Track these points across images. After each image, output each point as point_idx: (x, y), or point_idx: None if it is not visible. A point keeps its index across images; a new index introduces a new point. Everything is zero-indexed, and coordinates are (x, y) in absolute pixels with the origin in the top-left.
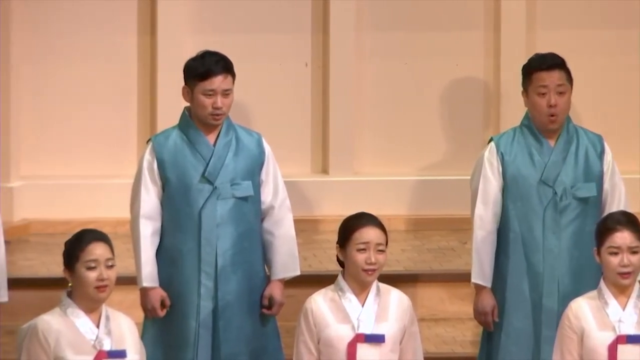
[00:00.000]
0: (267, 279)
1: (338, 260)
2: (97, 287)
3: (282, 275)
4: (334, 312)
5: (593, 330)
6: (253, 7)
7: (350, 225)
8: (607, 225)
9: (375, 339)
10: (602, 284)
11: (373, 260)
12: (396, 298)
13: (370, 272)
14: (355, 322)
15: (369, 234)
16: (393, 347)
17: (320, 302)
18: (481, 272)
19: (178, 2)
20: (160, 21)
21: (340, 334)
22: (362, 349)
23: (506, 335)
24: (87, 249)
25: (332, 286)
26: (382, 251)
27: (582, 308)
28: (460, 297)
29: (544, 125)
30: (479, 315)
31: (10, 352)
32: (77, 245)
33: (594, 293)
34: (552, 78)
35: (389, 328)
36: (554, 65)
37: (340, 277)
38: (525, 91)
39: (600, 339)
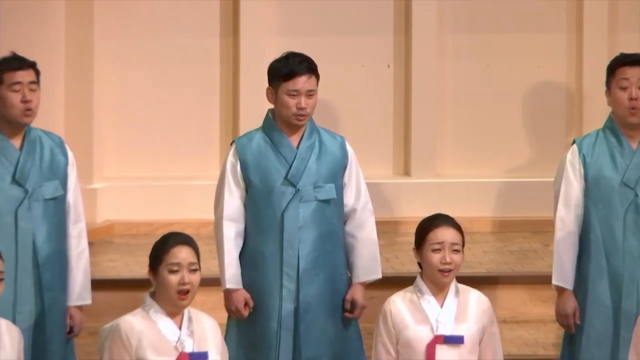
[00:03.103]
0: (349, 282)
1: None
2: (179, 292)
3: (364, 279)
4: (412, 314)
5: None
6: (335, 9)
7: (425, 227)
8: None
9: (454, 340)
10: None
11: (448, 260)
12: (475, 298)
13: (445, 273)
14: (434, 323)
15: (444, 234)
16: (472, 348)
17: (399, 303)
18: (562, 275)
19: (260, 3)
20: (243, 23)
21: (419, 335)
22: (441, 350)
23: (587, 337)
24: (171, 251)
25: (410, 287)
26: (457, 251)
27: None
28: (542, 300)
29: (625, 120)
30: (561, 317)
31: (93, 353)
32: (161, 247)
33: None
34: (635, 72)
35: (468, 329)
36: (637, 61)
37: (418, 278)
38: (608, 89)
39: None
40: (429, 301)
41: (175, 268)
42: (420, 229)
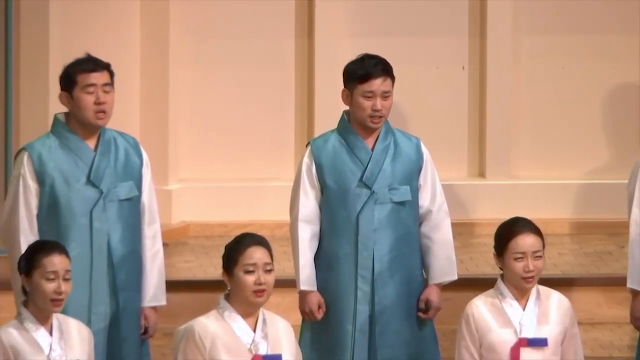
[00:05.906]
0: (424, 283)
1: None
2: (255, 292)
3: (440, 280)
4: (495, 317)
5: None
6: (410, 10)
7: (505, 233)
8: None
9: (538, 343)
10: None
11: (531, 267)
12: (556, 300)
13: (529, 280)
14: (517, 326)
15: (525, 241)
16: (555, 349)
17: (481, 306)
18: (637, 277)
19: (335, 4)
20: (318, 24)
21: (502, 338)
22: (525, 353)
23: None
24: (246, 252)
25: (491, 291)
26: (539, 257)
27: None
28: (617, 301)
29: None
30: (635, 320)
31: (168, 355)
32: (236, 248)
33: None
34: None
35: (550, 331)
36: None
37: (499, 281)
38: None
39: None
40: (510, 304)
41: (251, 269)
42: (499, 235)
